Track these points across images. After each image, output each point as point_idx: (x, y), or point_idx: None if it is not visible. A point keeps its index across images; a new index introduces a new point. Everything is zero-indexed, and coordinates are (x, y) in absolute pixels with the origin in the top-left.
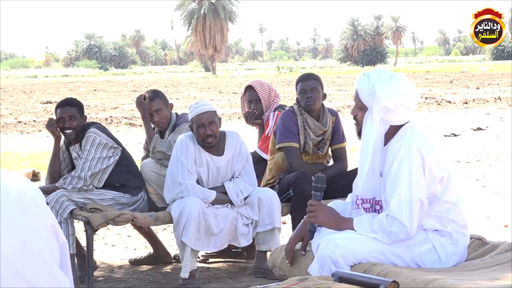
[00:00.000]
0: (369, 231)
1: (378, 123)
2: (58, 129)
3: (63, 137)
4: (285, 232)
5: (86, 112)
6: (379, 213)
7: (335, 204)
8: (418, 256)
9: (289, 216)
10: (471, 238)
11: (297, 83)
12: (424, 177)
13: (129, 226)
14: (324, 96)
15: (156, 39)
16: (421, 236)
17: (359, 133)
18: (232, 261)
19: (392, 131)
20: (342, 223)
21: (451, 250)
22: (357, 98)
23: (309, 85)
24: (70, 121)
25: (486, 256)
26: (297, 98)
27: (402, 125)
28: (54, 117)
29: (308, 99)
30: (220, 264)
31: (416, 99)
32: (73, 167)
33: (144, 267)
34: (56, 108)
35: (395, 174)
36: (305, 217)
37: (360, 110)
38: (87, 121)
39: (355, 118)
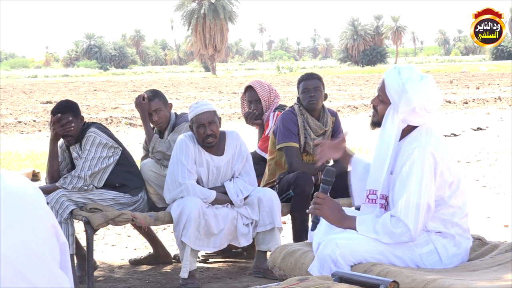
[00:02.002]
0: (371, 232)
1: (399, 122)
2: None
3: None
4: (285, 232)
5: (86, 112)
6: (384, 208)
7: (356, 163)
8: (418, 257)
9: (289, 216)
10: None
11: (299, 82)
12: (434, 181)
13: (129, 226)
14: (326, 96)
15: (156, 39)
16: (423, 237)
17: (374, 124)
18: (232, 261)
19: (407, 129)
20: (345, 221)
21: (453, 252)
22: (382, 90)
23: (312, 85)
24: (67, 127)
25: (486, 256)
26: (298, 98)
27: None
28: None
29: (311, 98)
30: (220, 264)
31: (439, 104)
32: (73, 167)
33: (144, 267)
34: (52, 115)
35: (406, 175)
36: (310, 207)
37: (382, 102)
38: (87, 121)
39: (374, 108)
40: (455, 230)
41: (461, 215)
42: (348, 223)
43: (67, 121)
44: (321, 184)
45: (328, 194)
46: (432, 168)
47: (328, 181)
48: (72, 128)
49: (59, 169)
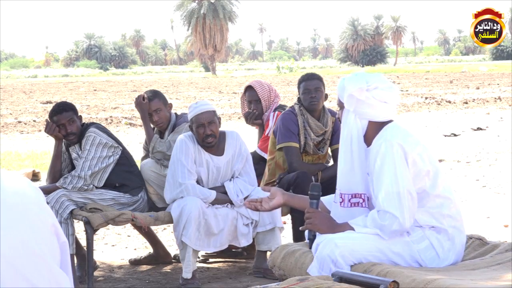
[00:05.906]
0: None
1: (354, 117)
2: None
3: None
4: (286, 232)
5: (86, 112)
6: (360, 206)
7: (324, 199)
8: (417, 253)
9: (289, 216)
10: (471, 238)
11: (299, 82)
12: (408, 170)
13: (129, 226)
14: (326, 96)
15: (156, 39)
16: (418, 233)
17: None
18: (232, 261)
19: (374, 132)
20: (338, 228)
21: (447, 247)
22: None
23: (313, 85)
24: (70, 125)
25: (486, 255)
26: (298, 98)
27: (384, 125)
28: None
29: (312, 99)
30: (220, 264)
31: (394, 95)
32: (73, 167)
33: (144, 267)
34: (52, 116)
35: (379, 170)
36: (305, 223)
37: (340, 109)
38: (86, 121)
39: (339, 119)
40: (447, 222)
41: (450, 205)
42: (341, 229)
43: (70, 118)
44: (309, 200)
45: (318, 208)
46: (403, 158)
47: (315, 195)
48: (75, 126)
49: (61, 169)
